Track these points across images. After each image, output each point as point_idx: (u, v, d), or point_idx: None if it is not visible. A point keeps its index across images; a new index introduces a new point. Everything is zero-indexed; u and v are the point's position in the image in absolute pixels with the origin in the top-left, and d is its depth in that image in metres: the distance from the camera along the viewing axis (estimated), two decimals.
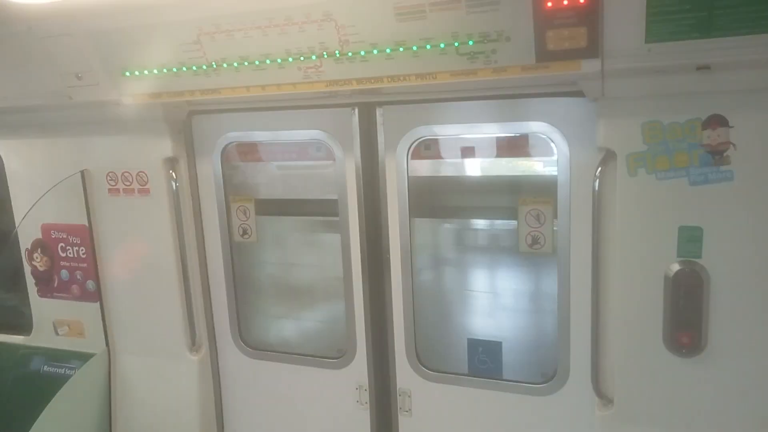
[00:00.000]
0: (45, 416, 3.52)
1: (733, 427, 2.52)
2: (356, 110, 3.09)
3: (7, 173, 3.83)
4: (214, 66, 2.78)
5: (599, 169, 2.55)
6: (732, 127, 2.29)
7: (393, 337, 3.31)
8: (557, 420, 3.01)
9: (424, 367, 3.28)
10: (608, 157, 2.52)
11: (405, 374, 3.33)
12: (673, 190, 2.41)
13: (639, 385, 2.63)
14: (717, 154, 2.34)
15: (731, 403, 2.51)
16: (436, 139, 3.10)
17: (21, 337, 4.05)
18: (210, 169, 3.52)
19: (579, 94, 2.54)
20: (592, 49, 2.22)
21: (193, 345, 3.64)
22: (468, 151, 3.12)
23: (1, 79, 3.30)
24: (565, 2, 2.17)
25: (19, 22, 2.87)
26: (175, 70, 2.85)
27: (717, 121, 2.31)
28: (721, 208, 2.37)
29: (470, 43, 2.36)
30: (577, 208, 2.76)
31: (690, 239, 2.43)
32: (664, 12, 2.13)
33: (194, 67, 2.81)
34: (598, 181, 2.55)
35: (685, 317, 2.49)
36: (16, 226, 3.81)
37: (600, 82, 2.35)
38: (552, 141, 2.77)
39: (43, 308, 3.95)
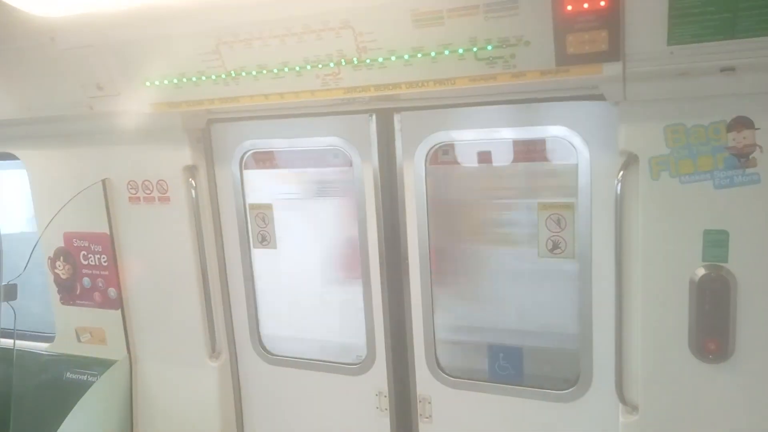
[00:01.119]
0: (68, 422, 3.57)
1: None
2: (374, 116, 3.09)
3: (29, 182, 3.89)
4: (233, 75, 2.80)
5: (621, 173, 2.52)
6: (758, 129, 2.25)
7: (412, 343, 3.30)
8: (580, 427, 2.97)
9: (444, 373, 3.26)
10: (630, 161, 2.49)
11: (425, 380, 3.31)
12: (697, 194, 2.37)
13: (664, 391, 2.58)
14: (742, 157, 2.30)
15: (760, 411, 2.45)
16: (454, 145, 3.08)
17: (44, 344, 4.11)
18: (229, 177, 3.54)
19: (600, 97, 2.51)
20: (614, 52, 2.19)
21: (213, 352, 3.66)
22: (486, 156, 3.09)
23: (24, 90, 3.35)
24: (586, 5, 2.14)
25: (41, 34, 2.91)
26: (194, 79, 2.87)
27: (742, 123, 2.27)
28: (748, 211, 2.32)
29: (489, 48, 2.35)
30: (598, 212, 2.73)
31: (715, 243, 2.39)
32: (687, 14, 2.10)
33: (213, 76, 2.83)
34: (620, 185, 2.52)
35: (712, 323, 2.44)
36: (39, 234, 3.86)
37: (621, 86, 2.32)
38: (572, 145, 2.74)
39: (65, 315, 4.00)
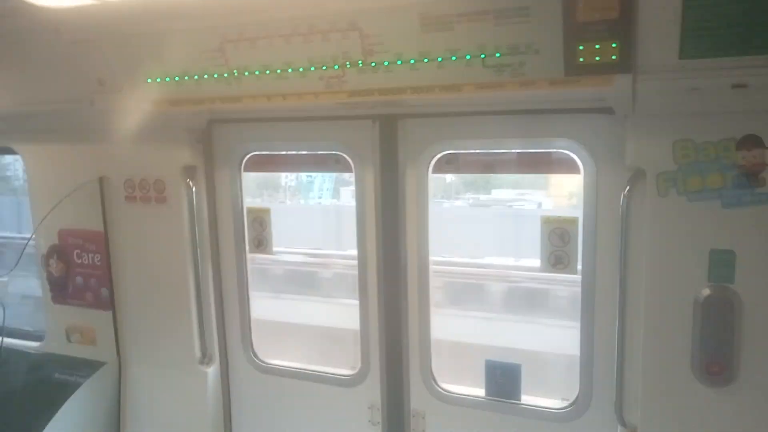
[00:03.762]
0: (54, 423, 3.49)
1: None
2: (377, 123, 3.05)
3: (27, 177, 3.85)
4: (236, 74, 2.76)
5: (627, 188, 2.47)
6: None
7: (408, 356, 3.23)
8: None
9: (439, 388, 3.18)
10: (637, 176, 2.44)
11: (419, 394, 3.23)
12: (704, 212, 2.32)
13: (665, 414, 2.52)
14: (752, 176, 2.25)
15: None
16: (458, 154, 3.03)
17: (34, 343, 4.04)
18: (227, 180, 3.50)
19: (608, 110, 2.47)
20: (625, 64, 2.15)
21: (204, 358, 3.59)
22: (490, 167, 3.05)
23: (26, 82, 3.32)
24: (597, 15, 2.11)
25: (46, 26, 2.88)
26: (196, 77, 2.84)
27: (752, 141, 2.23)
28: (756, 232, 2.27)
29: (497, 55, 2.31)
30: (603, 228, 2.67)
31: (722, 263, 2.33)
32: (701, 27, 2.06)
33: (216, 75, 2.79)
34: (626, 201, 2.47)
35: (716, 345, 2.38)
36: (33, 230, 3.81)
37: (631, 99, 2.28)
38: (578, 159, 2.70)
39: (56, 314, 3.94)
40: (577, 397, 2.87)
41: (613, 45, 2.13)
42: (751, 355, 2.35)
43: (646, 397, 2.55)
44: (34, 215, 3.84)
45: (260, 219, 3.50)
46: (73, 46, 2.97)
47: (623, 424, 2.64)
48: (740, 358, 2.36)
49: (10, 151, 3.88)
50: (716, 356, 2.39)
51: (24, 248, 3.68)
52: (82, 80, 3.12)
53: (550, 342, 4.65)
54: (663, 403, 2.52)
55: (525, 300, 5.53)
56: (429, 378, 3.19)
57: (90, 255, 3.74)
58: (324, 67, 2.59)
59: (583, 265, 2.77)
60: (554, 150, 2.81)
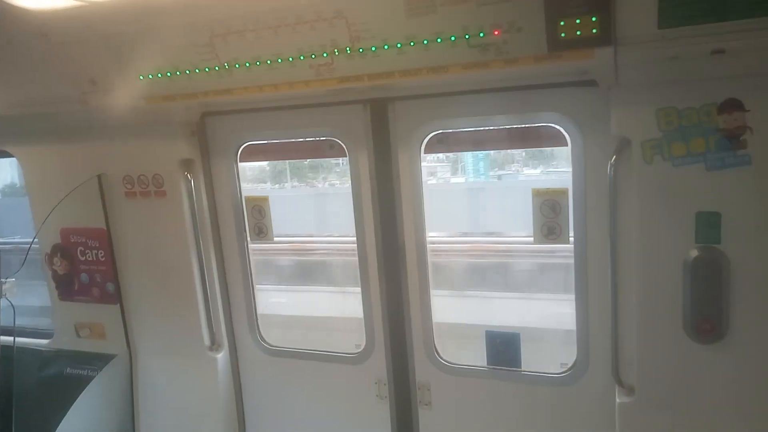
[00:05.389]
0: (69, 417, 3.59)
1: (755, 413, 2.50)
2: (368, 107, 3.10)
3: (25, 179, 3.89)
4: (227, 67, 2.80)
5: (614, 157, 2.54)
6: (748, 110, 2.27)
7: (411, 331, 3.33)
8: (578, 409, 3.00)
9: (442, 360, 3.29)
10: (623, 145, 2.51)
11: (423, 367, 3.34)
12: (689, 176, 2.40)
13: (660, 372, 2.62)
14: (734, 139, 2.32)
15: (753, 390, 2.49)
16: (449, 133, 3.09)
17: (44, 340, 4.12)
18: (225, 170, 3.55)
19: (592, 83, 2.53)
20: (605, 36, 2.20)
21: (213, 344, 3.68)
22: (481, 144, 3.11)
23: (17, 86, 3.34)
24: None
25: (34, 29, 2.90)
26: (188, 72, 2.87)
27: (733, 105, 2.30)
28: (739, 193, 2.35)
29: (481, 35, 2.36)
30: (592, 197, 2.75)
31: (708, 225, 2.42)
32: None
33: (207, 69, 2.83)
34: (613, 169, 2.54)
35: (705, 303, 2.48)
36: (36, 231, 3.86)
37: (613, 70, 2.33)
38: (565, 131, 2.76)
39: (64, 311, 4.01)
40: (575, 362, 2.98)
41: (593, 19, 2.18)
42: (739, 311, 2.45)
43: (641, 357, 2.65)
44: (35, 216, 3.89)
45: (259, 207, 3.57)
46: (63, 47, 2.99)
47: (620, 384, 2.75)
48: (729, 315, 2.46)
49: (5, 154, 3.91)
50: (706, 314, 2.48)
51: (28, 250, 3.73)
52: (74, 81, 3.14)
53: None
54: (657, 362, 2.62)
55: None
56: (432, 351, 3.29)
57: (93, 252, 3.81)
58: (313, 56, 2.63)
59: (575, 234, 2.86)
60: (542, 124, 2.87)
